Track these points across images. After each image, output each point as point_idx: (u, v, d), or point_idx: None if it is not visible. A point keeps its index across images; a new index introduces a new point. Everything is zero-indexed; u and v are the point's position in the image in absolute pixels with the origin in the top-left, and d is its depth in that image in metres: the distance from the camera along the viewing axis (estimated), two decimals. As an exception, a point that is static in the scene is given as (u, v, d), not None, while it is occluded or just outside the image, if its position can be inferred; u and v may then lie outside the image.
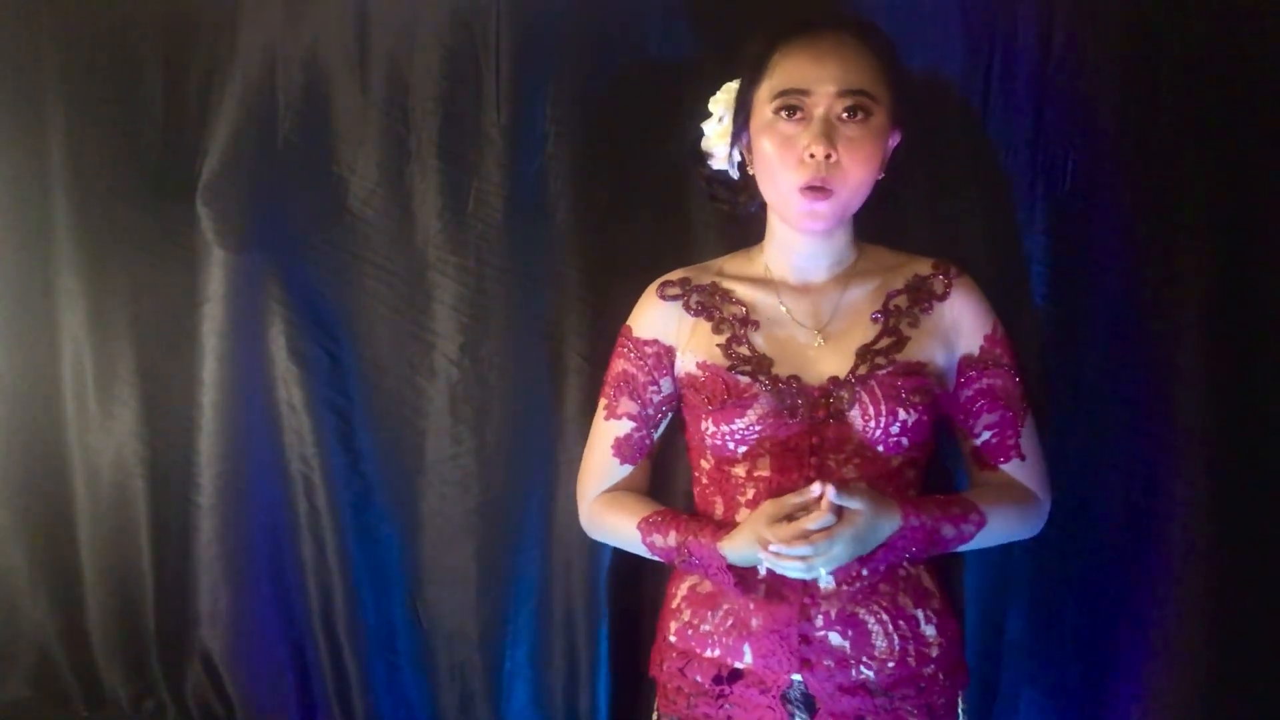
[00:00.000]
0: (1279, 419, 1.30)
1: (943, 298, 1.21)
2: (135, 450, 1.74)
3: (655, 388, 1.28)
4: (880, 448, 1.15)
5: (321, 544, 1.67)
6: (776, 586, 1.16)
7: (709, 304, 1.26)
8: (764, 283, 1.25)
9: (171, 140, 1.68)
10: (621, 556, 1.56)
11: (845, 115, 1.11)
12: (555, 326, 1.55)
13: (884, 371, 1.15)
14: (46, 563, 1.84)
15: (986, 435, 1.21)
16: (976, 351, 1.20)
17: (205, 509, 1.71)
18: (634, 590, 1.57)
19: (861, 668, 1.14)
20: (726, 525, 1.17)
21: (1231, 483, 1.30)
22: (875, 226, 1.29)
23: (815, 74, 1.11)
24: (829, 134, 1.10)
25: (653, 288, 1.31)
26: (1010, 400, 1.20)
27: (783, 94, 1.13)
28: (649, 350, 1.28)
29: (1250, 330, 1.29)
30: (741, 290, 1.26)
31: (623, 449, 1.30)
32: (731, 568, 1.15)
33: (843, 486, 1.05)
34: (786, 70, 1.13)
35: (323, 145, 1.62)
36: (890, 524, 1.09)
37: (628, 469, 1.31)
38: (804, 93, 1.12)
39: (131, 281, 1.72)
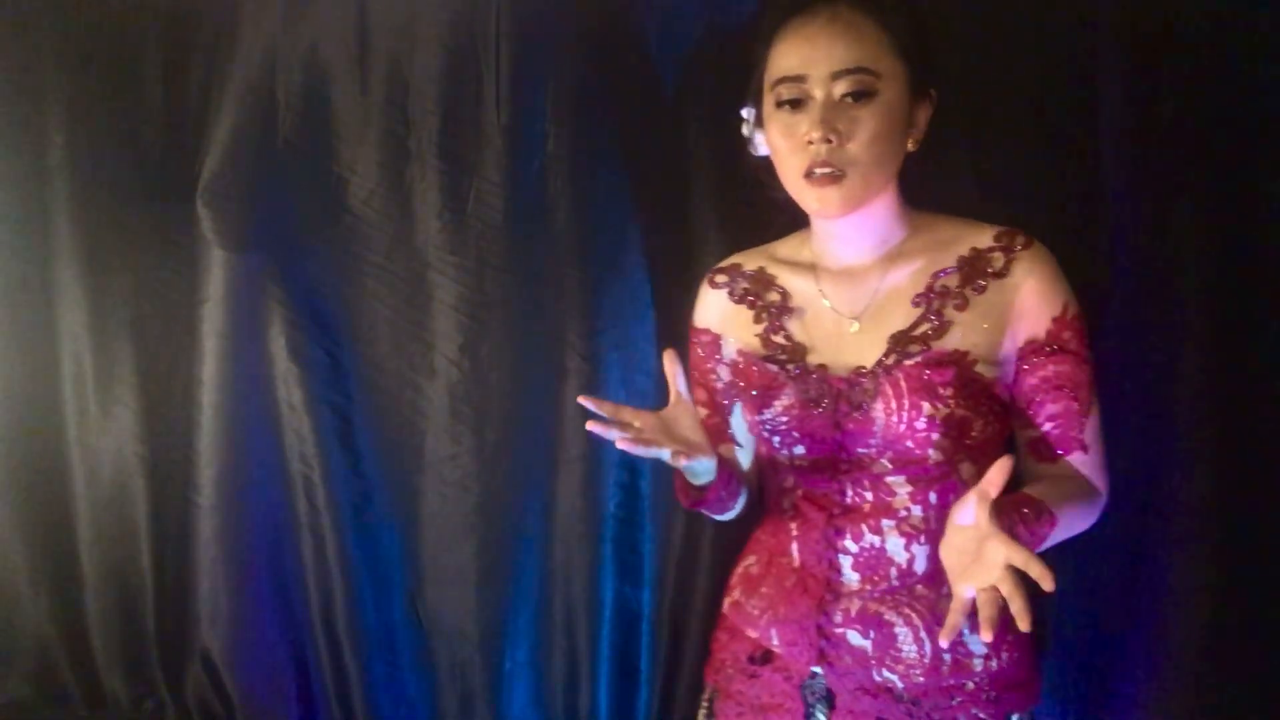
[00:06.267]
0: (1279, 419, 1.30)
1: (1001, 274, 1.09)
2: (135, 450, 1.74)
3: (715, 375, 1.26)
4: (909, 443, 1.08)
5: (321, 544, 1.67)
6: (804, 577, 1.15)
7: (752, 291, 1.22)
8: (807, 268, 1.20)
9: (171, 140, 1.69)
10: (621, 556, 1.56)
11: (846, 97, 1.05)
12: (555, 326, 1.55)
13: (913, 361, 1.08)
14: (46, 563, 1.84)
15: (1048, 426, 1.10)
16: (1042, 335, 1.08)
17: (205, 509, 1.71)
18: (634, 590, 1.57)
19: (885, 670, 1.09)
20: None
21: (1231, 483, 1.30)
22: (930, 195, 1.19)
23: (809, 57, 1.05)
24: (828, 118, 1.04)
25: (706, 276, 1.28)
26: (1077, 389, 1.09)
27: (779, 82, 1.08)
28: (704, 339, 1.26)
29: (1250, 330, 1.29)
30: (784, 276, 1.21)
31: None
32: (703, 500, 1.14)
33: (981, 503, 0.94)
34: (782, 55, 1.08)
35: (323, 145, 1.62)
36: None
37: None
38: (799, 78, 1.06)
39: (131, 281, 1.73)
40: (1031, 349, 1.09)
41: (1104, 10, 1.30)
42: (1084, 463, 1.12)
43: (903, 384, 1.07)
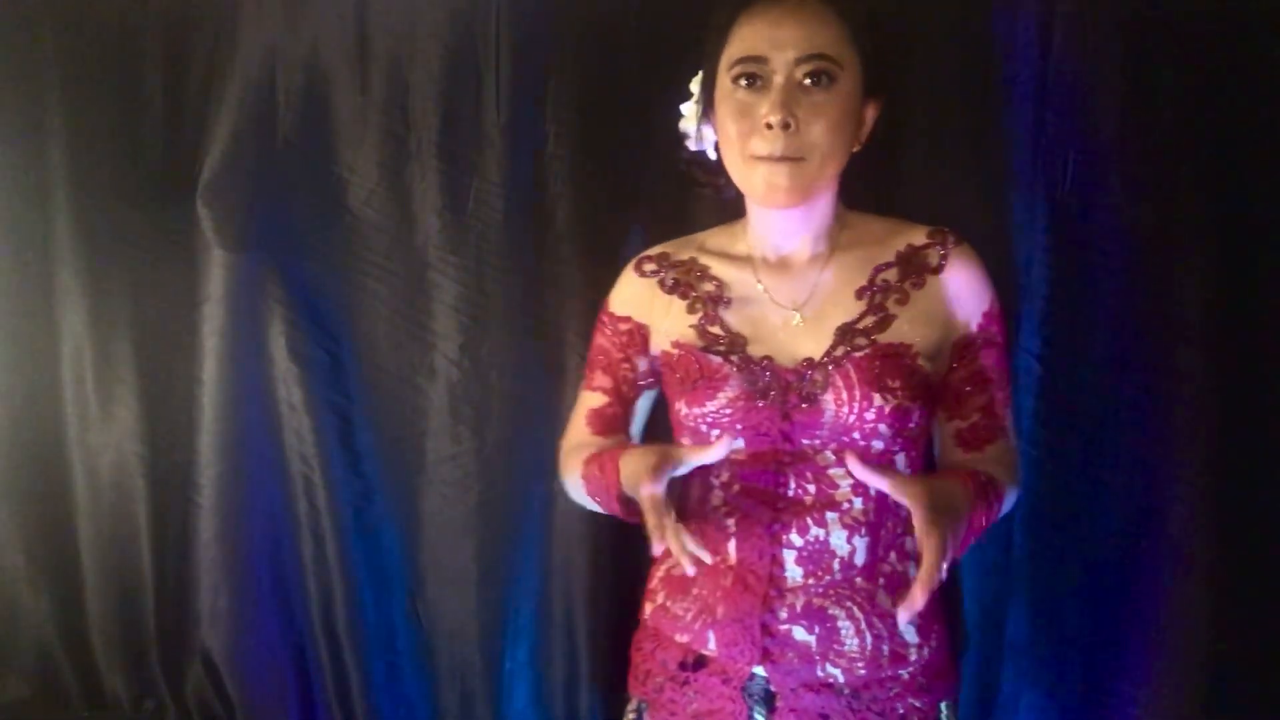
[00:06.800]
0: (1279, 419, 1.30)
1: (938, 270, 1.13)
2: (135, 450, 1.74)
3: (628, 365, 1.25)
4: (856, 434, 1.08)
5: (321, 544, 1.68)
6: (743, 574, 1.13)
7: (684, 281, 1.21)
8: (743, 260, 1.20)
9: (171, 140, 1.68)
10: (623, 555, 1.56)
11: (807, 81, 1.05)
12: (555, 326, 1.55)
13: (862, 353, 1.09)
14: (46, 563, 1.84)
15: (976, 417, 1.13)
16: (974, 329, 1.13)
17: (205, 509, 1.71)
18: (635, 590, 1.57)
19: (828, 665, 1.09)
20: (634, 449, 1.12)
21: (1231, 483, 1.30)
22: (870, 198, 1.24)
23: (772, 39, 1.05)
24: (788, 101, 1.04)
25: (631, 263, 1.28)
26: (1002, 379, 1.14)
27: (740, 62, 1.07)
28: (623, 327, 1.25)
29: (1250, 330, 1.29)
30: (718, 267, 1.20)
31: (595, 421, 1.28)
32: (633, 508, 1.09)
33: (873, 468, 0.98)
34: (744, 38, 1.08)
35: (323, 145, 1.62)
36: (965, 504, 1.02)
37: (601, 441, 1.27)
38: (761, 60, 1.06)
39: (131, 281, 1.72)
40: (966, 341, 1.14)
41: (1104, 10, 1.30)
42: (1007, 450, 1.16)
43: (853, 375, 1.08)
